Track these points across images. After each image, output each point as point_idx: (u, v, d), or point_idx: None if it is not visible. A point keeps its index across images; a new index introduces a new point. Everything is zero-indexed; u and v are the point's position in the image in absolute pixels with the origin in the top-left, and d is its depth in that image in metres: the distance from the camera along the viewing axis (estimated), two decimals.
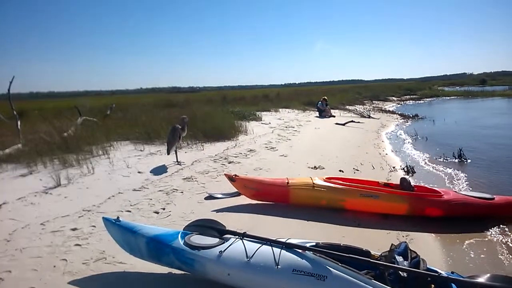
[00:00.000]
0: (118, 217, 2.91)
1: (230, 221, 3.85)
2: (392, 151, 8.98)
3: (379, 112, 19.52)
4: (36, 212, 4.28)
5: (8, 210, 4.37)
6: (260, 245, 2.55)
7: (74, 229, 3.77)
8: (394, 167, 7.03)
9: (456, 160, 7.72)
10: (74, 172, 5.88)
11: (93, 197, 4.79)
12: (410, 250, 2.54)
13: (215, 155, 7.30)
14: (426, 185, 5.16)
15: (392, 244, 2.61)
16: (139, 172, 5.99)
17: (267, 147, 8.27)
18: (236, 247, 2.57)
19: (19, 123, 8.67)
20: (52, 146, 7.34)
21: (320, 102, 16.59)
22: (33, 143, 7.77)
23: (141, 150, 7.68)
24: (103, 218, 3.01)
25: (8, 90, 8.95)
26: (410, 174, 6.54)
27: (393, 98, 32.76)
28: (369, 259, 2.43)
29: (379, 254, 2.59)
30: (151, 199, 4.73)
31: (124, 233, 2.86)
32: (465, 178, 6.35)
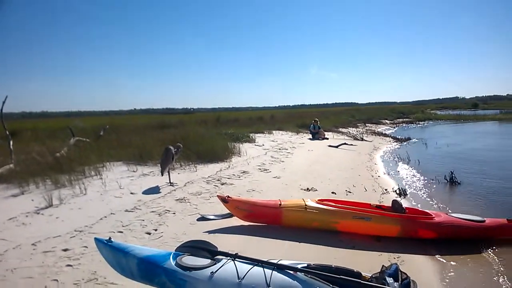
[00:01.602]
0: (110, 238, 2.89)
1: (222, 242, 3.83)
2: (385, 173, 9.05)
3: (372, 134, 19.72)
4: (28, 232, 4.24)
5: None
6: (251, 266, 2.55)
7: (65, 250, 3.74)
8: (386, 190, 7.08)
9: (448, 183, 7.79)
10: (66, 193, 5.84)
11: (85, 217, 4.76)
12: (401, 271, 2.56)
13: (208, 176, 7.30)
14: (417, 208, 5.20)
15: (383, 266, 2.64)
16: (131, 193, 5.98)
17: (260, 169, 8.29)
18: (227, 268, 2.57)
19: (11, 143, 8.63)
20: (44, 166, 7.30)
21: (312, 125, 16.75)
22: (25, 163, 7.72)
23: (133, 171, 7.67)
24: (95, 238, 3.00)
25: (1, 109, 8.94)
26: (402, 197, 6.60)
27: (386, 121, 33.19)
28: (360, 281, 2.45)
29: (370, 275, 2.61)
30: (143, 220, 4.70)
31: (115, 254, 2.84)
32: (456, 200, 6.43)
